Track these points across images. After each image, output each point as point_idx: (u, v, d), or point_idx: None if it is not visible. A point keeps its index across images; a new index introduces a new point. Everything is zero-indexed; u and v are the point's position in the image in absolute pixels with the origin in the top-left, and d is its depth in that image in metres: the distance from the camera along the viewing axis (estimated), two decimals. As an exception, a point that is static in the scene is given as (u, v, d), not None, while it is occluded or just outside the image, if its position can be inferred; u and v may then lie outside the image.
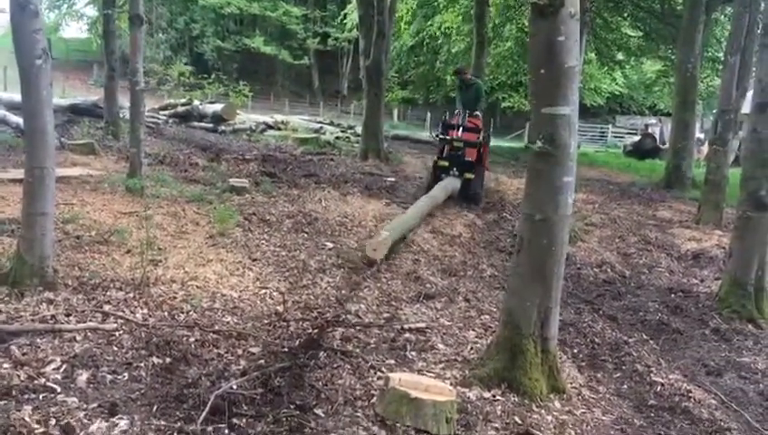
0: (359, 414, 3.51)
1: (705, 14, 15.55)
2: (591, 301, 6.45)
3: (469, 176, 10.41)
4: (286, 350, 4.31)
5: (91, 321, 4.38)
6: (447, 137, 10.70)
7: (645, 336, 5.57)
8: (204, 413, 3.26)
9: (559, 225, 3.95)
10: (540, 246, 3.98)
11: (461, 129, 10.76)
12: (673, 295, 6.97)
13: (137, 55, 8.21)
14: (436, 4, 21.97)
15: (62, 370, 3.67)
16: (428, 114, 36.48)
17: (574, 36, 3.82)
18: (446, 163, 10.47)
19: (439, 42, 23.72)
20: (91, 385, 3.56)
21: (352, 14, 24.12)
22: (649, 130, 30.64)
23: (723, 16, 20.24)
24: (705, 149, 26.57)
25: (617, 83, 36.92)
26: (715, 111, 31.35)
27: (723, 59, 20.11)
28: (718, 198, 11.04)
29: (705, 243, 9.42)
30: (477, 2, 16.65)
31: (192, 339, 4.29)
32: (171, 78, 10.87)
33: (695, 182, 15.79)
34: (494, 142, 26.46)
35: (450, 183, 10.09)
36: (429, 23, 23.04)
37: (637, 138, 28.07)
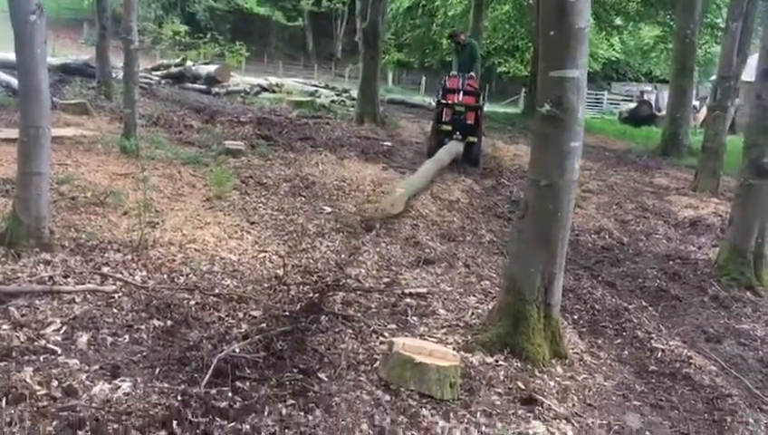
0: (362, 378, 3.50)
1: (706, -21, 15.33)
2: (590, 267, 6.45)
3: (472, 139, 10.52)
4: (287, 314, 4.28)
5: (89, 283, 4.33)
6: (448, 102, 10.70)
7: (644, 303, 5.58)
8: (207, 376, 3.24)
9: (565, 190, 3.90)
10: (545, 211, 3.94)
11: (461, 93, 10.77)
12: (671, 262, 6.97)
13: (130, 13, 8.03)
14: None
15: (62, 331, 3.63)
16: (423, 78, 36.14)
17: (585, -3, 3.73)
18: (449, 127, 10.52)
19: (436, 4, 23.37)
20: (92, 347, 3.53)
21: (348, -25, 23.71)
22: (645, 97, 30.48)
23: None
24: (701, 115, 26.56)
25: (614, 49, 36.60)
26: (711, 79, 31.23)
27: (723, 25, 19.96)
28: (716, 166, 11.02)
29: (702, 210, 9.41)
30: (475, -37, 16.39)
31: (192, 302, 4.26)
32: (165, 37, 10.62)
33: (691, 149, 15.77)
34: (489, 108, 26.31)
35: (454, 147, 10.16)
36: (426, -16, 22.76)
37: (633, 104, 27.93)
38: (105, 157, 7.66)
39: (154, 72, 18.31)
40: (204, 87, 17.47)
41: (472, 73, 11.22)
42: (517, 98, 36.31)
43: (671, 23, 21.95)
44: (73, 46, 30.17)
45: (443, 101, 10.77)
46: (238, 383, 3.27)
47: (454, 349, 3.97)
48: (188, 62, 17.84)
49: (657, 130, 21.79)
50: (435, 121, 11.19)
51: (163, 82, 17.46)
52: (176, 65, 18.48)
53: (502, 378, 3.71)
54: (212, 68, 18.08)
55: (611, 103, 36.58)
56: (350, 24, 41.18)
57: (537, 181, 3.95)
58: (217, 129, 11.06)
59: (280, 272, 5.03)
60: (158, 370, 3.32)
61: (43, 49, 4.71)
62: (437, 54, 35.09)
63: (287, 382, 3.35)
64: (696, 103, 23.84)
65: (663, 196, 10.45)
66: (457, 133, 10.47)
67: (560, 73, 3.77)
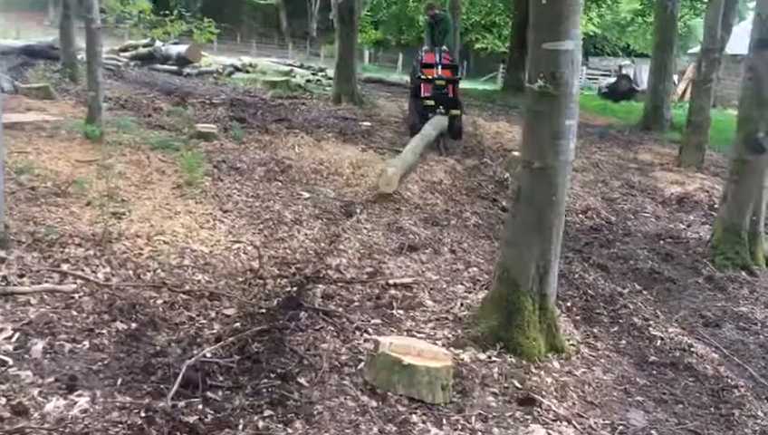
0: (346, 382, 3.22)
1: (687, -50, 15.07)
2: (580, 249, 6.21)
3: (455, 112, 10.48)
4: (264, 311, 3.99)
5: (47, 282, 3.99)
6: (428, 76, 10.59)
7: (638, 286, 5.35)
8: (175, 386, 2.95)
9: (560, 172, 3.64)
10: (539, 195, 3.67)
11: (439, 66, 10.70)
12: (662, 242, 6.76)
13: (92, -10, 7.57)
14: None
15: (14, 339, 3.30)
16: (401, 56, 35.64)
17: (579, -38, 3.42)
18: (432, 102, 10.41)
19: (411, -21, 22.89)
20: (48, 356, 3.21)
21: (321, -49, 23.10)
22: (623, 72, 30.28)
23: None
24: (680, 90, 26.48)
25: (592, 23, 36.35)
26: (689, 52, 31.11)
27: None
28: (700, 140, 10.84)
29: (689, 186, 9.23)
30: (453, -64, 15.96)
31: (160, 301, 3.94)
32: (130, 15, 10.16)
33: (672, 124, 15.59)
34: (468, 84, 26.00)
35: (439, 121, 10.03)
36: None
37: (612, 79, 27.70)
38: (68, 143, 7.23)
39: (122, 54, 17.71)
40: (174, 68, 16.93)
41: (445, 47, 11.24)
42: (495, 74, 36.05)
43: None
44: (39, 29, 29.22)
45: (423, 76, 10.62)
46: (209, 393, 2.98)
47: (443, 345, 3.71)
48: (158, 43, 17.24)
49: (637, 105, 21.62)
50: (411, 97, 11.28)
51: (132, 63, 16.89)
52: (144, 46, 17.86)
53: (496, 376, 3.46)
54: (182, 48, 17.51)
55: (590, 78, 36.35)
56: (325, 1, 40.52)
57: (530, 163, 3.67)
58: (189, 111, 10.61)
59: (255, 264, 4.72)
60: (120, 380, 3.02)
61: (-11, 28, 4.31)
62: (414, 31, 34.60)
63: (264, 390, 3.06)
64: (675, 78, 23.66)
65: (648, 172, 10.25)
66: (441, 108, 10.36)
67: (553, 46, 3.48)
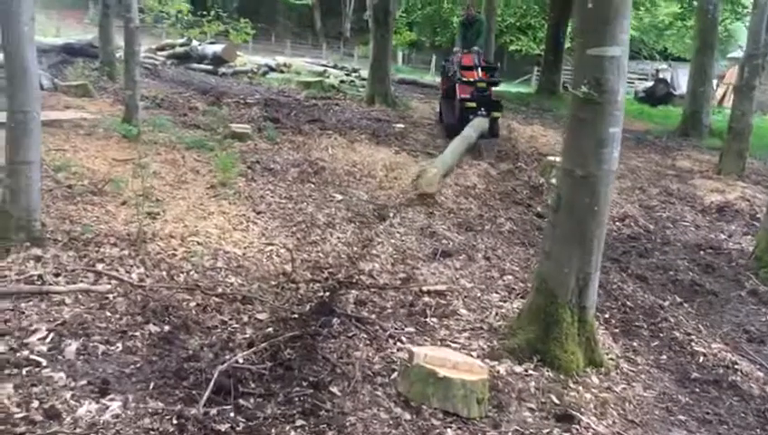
0: (379, 393, 3.16)
1: (731, -47, 14.74)
2: (618, 259, 6.06)
3: (496, 114, 10.54)
4: (296, 316, 3.94)
5: (82, 282, 4.00)
6: (469, 79, 10.62)
7: (678, 299, 5.19)
8: (207, 393, 2.92)
9: (603, 182, 3.53)
10: (581, 205, 3.56)
11: (479, 69, 10.82)
12: (702, 252, 6.57)
13: (130, -10, 7.63)
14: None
15: (48, 339, 3.31)
16: (434, 57, 35.47)
17: (628, -36, 3.31)
18: (474, 104, 10.38)
19: (447, -20, 22.74)
20: (81, 357, 3.20)
21: (357, -49, 23.08)
22: (661, 76, 29.76)
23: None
24: (719, 95, 25.94)
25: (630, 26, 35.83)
26: (729, 57, 30.44)
27: (748, 1, 19.31)
28: (741, 147, 10.53)
29: (729, 195, 8.97)
30: (490, -63, 15.81)
31: (193, 303, 3.92)
32: (168, 15, 10.23)
33: (711, 130, 15.25)
34: (502, 87, 25.76)
35: (480, 123, 10.02)
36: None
37: (649, 83, 27.22)
38: (105, 141, 7.30)
39: (159, 53, 17.88)
40: (210, 67, 17.05)
41: (479, 49, 11.42)
42: (530, 77, 35.67)
43: (690, -1, 21.34)
44: (79, 26, 29.67)
45: (464, 79, 10.61)
46: (241, 401, 2.95)
47: (478, 356, 3.63)
48: (194, 42, 17.36)
49: (674, 110, 21.21)
50: (443, 98, 11.70)
51: (168, 62, 17.05)
52: (181, 45, 18.01)
53: (533, 390, 3.36)
54: (218, 47, 17.63)
55: (626, 82, 35.84)
56: (360, 2, 40.52)
57: (572, 172, 3.57)
58: (223, 111, 10.65)
59: (288, 268, 4.68)
60: (152, 385, 2.99)
61: (30, 27, 4.33)
62: (448, 33, 34.40)
63: (296, 399, 3.02)
64: (714, 82, 23.16)
65: (687, 179, 10.00)
66: (482, 109, 10.35)
67: (599, 51, 3.37)
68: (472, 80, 10.63)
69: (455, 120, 10.73)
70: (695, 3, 19.30)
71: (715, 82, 24.41)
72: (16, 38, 4.24)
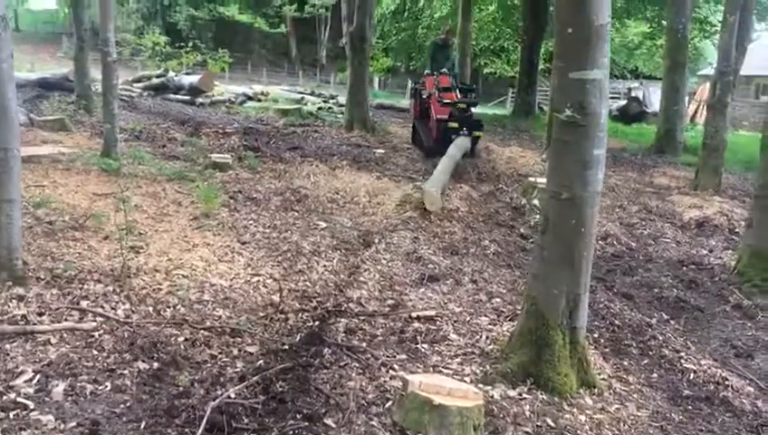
0: (374, 423, 3.12)
1: (697, -27, 15.08)
2: (603, 277, 6.09)
3: (478, 134, 11.14)
4: (286, 347, 3.90)
5: (66, 320, 3.94)
6: (449, 100, 11.11)
7: (665, 316, 5.23)
8: (200, 430, 2.86)
9: (588, 203, 3.55)
10: (567, 227, 3.58)
11: (458, 90, 11.49)
12: (685, 268, 6.64)
13: (107, 24, 7.64)
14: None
15: (35, 381, 3.24)
16: (409, 82, 35.74)
17: (606, -10, 3.38)
18: (456, 124, 10.87)
19: (420, 5, 22.98)
20: (69, 398, 3.14)
21: (331, -21, 23.32)
22: (633, 94, 30.24)
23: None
24: (691, 111, 26.37)
25: (600, 47, 36.40)
26: (699, 74, 31.02)
27: (716, 20, 19.71)
28: (717, 163, 10.71)
29: (707, 210, 9.08)
30: (462, -36, 16.05)
31: (181, 338, 3.87)
32: (145, 48, 10.23)
33: (686, 146, 15.50)
34: (478, 109, 25.97)
35: (463, 142, 10.48)
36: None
37: (622, 102, 27.62)
38: (85, 175, 7.24)
39: (135, 84, 17.82)
40: (187, 98, 17.01)
41: (451, 71, 12.13)
42: (505, 98, 36.07)
43: (660, 19, 21.74)
44: (52, 61, 29.55)
45: (444, 100, 11.10)
46: (235, 437, 2.89)
47: (471, 381, 3.61)
48: (171, 73, 17.36)
49: (648, 127, 21.53)
50: (417, 119, 12.45)
51: (145, 93, 16.99)
52: (157, 76, 17.98)
53: (528, 414, 3.35)
54: (195, 78, 17.63)
55: (600, 102, 36.31)
56: (334, 29, 40.85)
57: (558, 194, 3.59)
58: (203, 141, 10.65)
59: (276, 298, 4.64)
60: (143, 424, 2.93)
61: (9, 64, 4.30)
62: (422, 58, 34.73)
63: (291, 432, 2.97)
64: (686, 99, 23.56)
65: (665, 196, 10.13)
66: (464, 129, 10.84)
67: (580, 75, 3.42)
68: (451, 101, 11.06)
69: (433, 142, 11.13)
70: (663, 23, 19.69)
71: (686, 99, 24.87)
72: (-5, 75, 4.20)
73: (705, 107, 18.72)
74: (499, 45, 30.49)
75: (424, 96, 12.19)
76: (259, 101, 18.70)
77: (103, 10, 7.66)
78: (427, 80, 12.18)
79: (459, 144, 10.24)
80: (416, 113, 12.87)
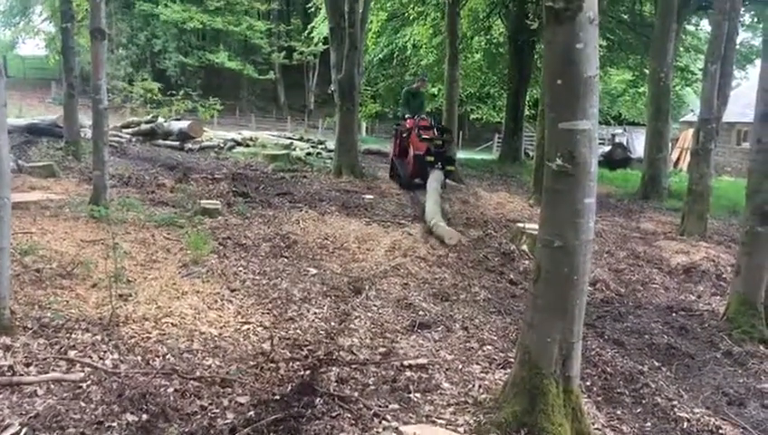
0: (368, 477, 3.07)
1: (677, 23, 15.49)
2: (593, 324, 6.08)
3: (450, 168, 12.78)
4: (278, 397, 3.85)
5: (54, 370, 3.88)
6: (426, 137, 12.83)
7: (656, 363, 5.21)
8: (190, 486, 2.79)
9: (580, 251, 3.57)
10: (560, 275, 3.59)
11: (434, 129, 13.37)
12: (674, 314, 6.64)
13: (99, 71, 7.70)
14: (406, 15, 21.62)
15: (21, 434, 3.16)
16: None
17: (593, 43, 3.45)
18: (432, 158, 12.41)
19: (408, 53, 23.39)
20: (56, 453, 3.06)
21: (320, 28, 23.62)
22: (617, 140, 30.74)
23: (694, 27, 20.39)
24: (674, 157, 26.80)
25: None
26: (681, 120, 31.61)
27: (697, 68, 20.17)
28: (702, 209, 10.83)
29: (695, 256, 9.15)
30: (449, 14, 16.34)
31: (171, 389, 3.80)
32: (136, 96, 10.33)
33: (670, 192, 15.71)
34: (464, 154, 26.29)
35: (438, 176, 11.96)
36: (399, 35, 22.73)
37: (606, 148, 28.03)
38: (73, 222, 7.21)
39: (124, 130, 17.91)
40: (176, 143, 17.10)
41: (423, 115, 14.06)
42: (491, 144, 36.54)
43: (642, 66, 22.21)
44: (41, 106, 29.66)
45: (426, 137, 12.77)
46: (227, 493, 2.83)
47: (465, 432, 3.57)
48: (160, 119, 17.49)
49: (633, 173, 21.84)
50: (397, 157, 14.03)
51: (134, 139, 17.07)
52: (146, 122, 18.11)
53: (523, 466, 3.30)
54: (184, 124, 17.75)
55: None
56: (322, 75, 41.45)
57: (550, 242, 3.61)
58: (192, 187, 10.67)
59: (266, 346, 4.60)
60: (132, 480, 2.87)
61: (2, 112, 4.32)
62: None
63: (283, 487, 2.91)
64: (669, 145, 23.96)
65: (652, 241, 10.21)
66: (439, 164, 12.37)
67: (570, 125, 3.47)
68: (429, 138, 12.80)
69: (410, 175, 12.94)
70: (646, 71, 20.11)
71: (670, 145, 25.29)
72: (-12, 124, 4.21)
73: (688, 153, 19.08)
74: (485, 92, 30.94)
75: (404, 135, 13.74)
76: (248, 146, 18.82)
77: (95, 57, 7.73)
78: (407, 121, 13.79)
79: (436, 177, 11.72)
80: (395, 151, 14.38)
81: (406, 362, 4.55)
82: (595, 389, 4.58)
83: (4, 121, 4.34)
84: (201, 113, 12.70)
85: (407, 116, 13.97)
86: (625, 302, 7.05)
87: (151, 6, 40.32)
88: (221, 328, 4.87)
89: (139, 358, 4.19)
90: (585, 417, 3.72)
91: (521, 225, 9.13)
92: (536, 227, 4.78)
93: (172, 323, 4.79)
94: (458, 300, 6.34)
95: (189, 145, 17.08)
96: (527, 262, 7.90)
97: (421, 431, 3.17)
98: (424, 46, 22.71)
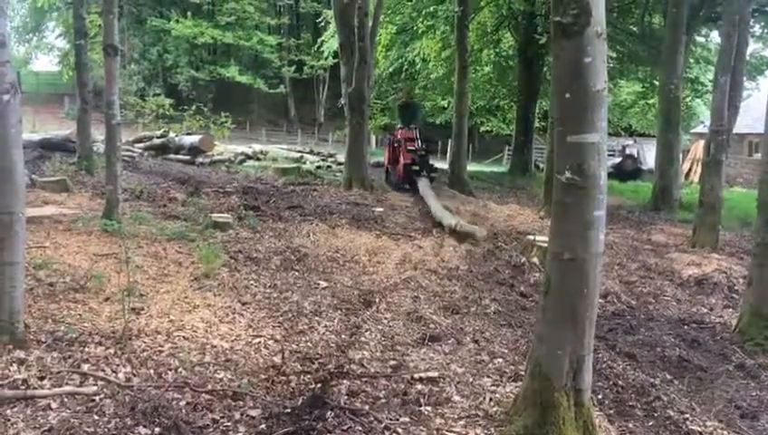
0: (380, 490, 3.07)
1: (687, 35, 15.49)
2: (604, 336, 6.07)
3: (434, 175, 14.58)
4: (289, 410, 3.86)
5: (67, 384, 3.91)
6: (412, 148, 14.77)
7: (668, 376, 5.19)
8: (202, 498, 2.80)
9: (590, 264, 3.58)
10: (570, 288, 3.60)
11: (419, 141, 15.03)
12: (686, 327, 6.61)
13: (112, 87, 7.79)
14: (415, 29, 21.73)
15: (35, 448, 3.19)
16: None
17: (601, 57, 3.48)
18: (418, 167, 14.38)
19: (417, 67, 23.48)
20: (70, 466, 3.09)
21: (330, 42, 23.76)
22: (628, 152, 30.66)
23: (704, 38, 20.40)
24: (684, 169, 26.70)
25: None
26: (692, 132, 31.52)
27: (707, 79, 20.16)
28: (713, 220, 10.80)
29: (706, 268, 9.10)
30: (458, 27, 16.43)
31: (183, 402, 3.82)
32: (149, 111, 10.45)
33: (681, 203, 15.66)
34: (475, 167, 26.30)
35: (426, 182, 13.74)
36: (408, 49, 22.85)
37: (617, 160, 28.00)
38: (86, 236, 7.28)
39: (136, 145, 18.08)
40: (187, 157, 17.24)
41: (413, 126, 15.57)
42: (501, 156, 36.54)
43: (652, 78, 22.18)
44: (54, 121, 29.94)
45: (412, 148, 14.73)
46: (239, 505, 2.84)
47: (476, 445, 3.57)
48: (171, 133, 17.66)
49: (643, 184, 21.79)
50: (390, 164, 16.21)
51: (146, 153, 17.22)
52: (158, 137, 18.27)
53: (535, 479, 3.30)
54: (195, 138, 17.90)
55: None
56: (332, 89, 41.63)
57: (559, 255, 3.62)
58: (203, 200, 10.73)
59: (277, 359, 4.62)
60: (145, 492, 2.89)
61: (17, 129, 4.38)
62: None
63: (295, 500, 2.92)
64: (680, 157, 23.90)
65: (663, 253, 10.17)
66: (424, 171, 14.25)
67: (578, 139, 3.49)
68: (414, 149, 14.72)
69: (401, 180, 14.89)
70: (656, 82, 20.10)
71: (680, 156, 25.22)
72: (4, 140, 4.27)
73: (699, 164, 19.01)
74: (495, 104, 30.99)
75: (395, 145, 15.56)
76: (258, 160, 18.94)
77: (108, 73, 7.82)
78: (399, 132, 15.62)
79: (424, 184, 13.56)
80: (389, 158, 16.34)
81: (416, 375, 4.55)
82: (607, 402, 4.56)
83: (20, 137, 4.40)
84: (213, 131, 12.83)
85: (398, 127, 16.08)
86: (636, 314, 7.02)
87: (163, 22, 40.82)
88: (232, 341, 4.90)
89: (152, 371, 4.21)
90: (597, 430, 3.71)
91: (531, 237, 9.12)
92: (547, 239, 4.79)
93: (184, 337, 4.83)
94: (469, 313, 6.34)
95: (200, 159, 17.21)
96: (538, 274, 7.89)
97: (432, 444, 3.18)
98: (433, 60, 22.80)
